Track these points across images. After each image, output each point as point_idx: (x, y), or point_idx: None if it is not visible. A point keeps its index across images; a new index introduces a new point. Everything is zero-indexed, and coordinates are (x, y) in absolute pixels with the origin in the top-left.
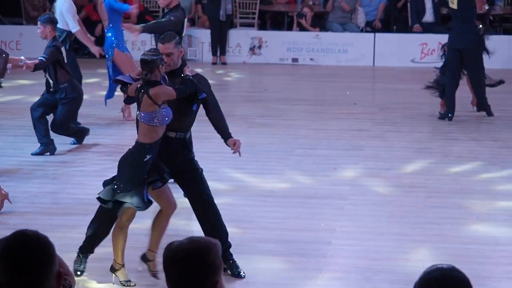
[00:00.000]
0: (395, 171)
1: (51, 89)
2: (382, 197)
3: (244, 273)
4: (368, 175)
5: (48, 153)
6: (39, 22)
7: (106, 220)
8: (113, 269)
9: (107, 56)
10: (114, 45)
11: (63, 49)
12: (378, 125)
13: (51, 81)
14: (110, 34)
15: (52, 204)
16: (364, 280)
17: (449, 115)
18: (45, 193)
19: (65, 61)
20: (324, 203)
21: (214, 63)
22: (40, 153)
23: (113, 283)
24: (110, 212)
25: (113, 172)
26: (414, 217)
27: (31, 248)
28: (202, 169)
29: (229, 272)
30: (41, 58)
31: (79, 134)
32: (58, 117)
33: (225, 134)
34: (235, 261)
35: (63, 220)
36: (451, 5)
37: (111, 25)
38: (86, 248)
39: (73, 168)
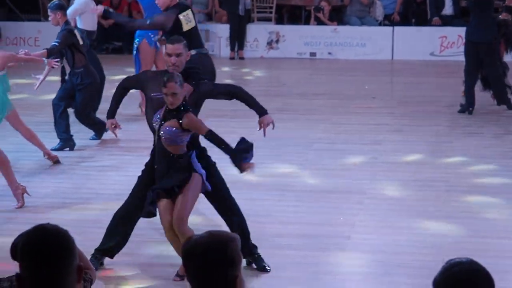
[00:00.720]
0: (414, 165)
1: (66, 78)
2: (401, 191)
3: (269, 267)
4: (387, 169)
5: (68, 149)
6: (49, 10)
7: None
8: None
9: (135, 45)
10: (144, 35)
11: (77, 32)
12: (397, 119)
13: (67, 67)
14: None
15: (72, 199)
16: (383, 274)
17: (470, 108)
18: (64, 188)
19: (81, 43)
20: (343, 197)
21: (231, 58)
22: (59, 148)
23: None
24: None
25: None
26: (433, 211)
27: (51, 243)
28: (215, 163)
29: (254, 266)
30: (54, 43)
31: (99, 126)
32: (78, 105)
33: (256, 109)
34: (260, 255)
35: (82, 215)
36: None
37: (146, 16)
38: (105, 251)
39: (92, 163)
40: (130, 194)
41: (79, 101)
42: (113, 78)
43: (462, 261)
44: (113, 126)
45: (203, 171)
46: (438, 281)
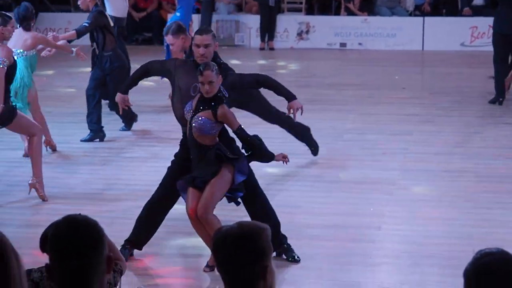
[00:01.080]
0: (444, 156)
1: (96, 59)
2: (431, 182)
3: (299, 257)
4: (417, 160)
5: (98, 140)
6: None
7: (156, 211)
8: None
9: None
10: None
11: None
12: (427, 110)
13: (97, 50)
14: (178, 14)
15: (102, 190)
16: (413, 265)
17: (500, 99)
18: (94, 180)
19: (112, 24)
20: (373, 188)
21: (262, 49)
22: (89, 139)
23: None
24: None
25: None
26: (463, 201)
27: (81, 233)
28: (243, 154)
29: (284, 256)
30: (84, 23)
31: (130, 117)
32: (110, 90)
33: (285, 95)
34: (290, 245)
35: (112, 206)
36: None
37: (180, 6)
38: (134, 242)
39: (122, 154)
40: (160, 185)
41: (111, 87)
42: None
43: (492, 251)
44: (123, 102)
45: (243, 164)
46: (469, 272)
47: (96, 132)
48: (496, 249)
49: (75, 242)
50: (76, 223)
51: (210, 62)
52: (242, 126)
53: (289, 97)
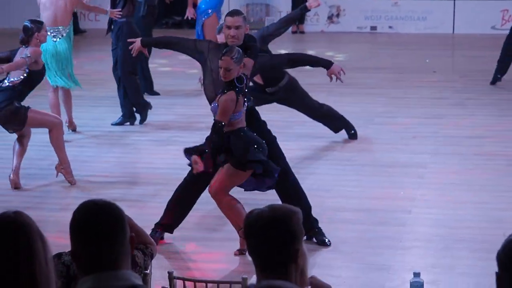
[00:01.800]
0: (475, 139)
1: (112, 26)
2: (462, 166)
3: (330, 241)
4: (448, 143)
5: (128, 123)
6: None
7: (189, 194)
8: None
9: (202, 19)
10: (210, 10)
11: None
12: (458, 93)
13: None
14: None
15: (132, 174)
16: (445, 248)
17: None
18: (125, 163)
19: None
20: (403, 171)
21: (294, 32)
22: (120, 123)
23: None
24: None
25: (193, 142)
26: (494, 185)
27: (100, 218)
28: (275, 138)
29: (314, 240)
30: None
31: (142, 105)
32: (118, 58)
33: (322, 64)
34: (320, 229)
35: (143, 189)
36: None
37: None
38: (165, 226)
39: (152, 137)
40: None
41: (118, 54)
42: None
43: None
44: (138, 48)
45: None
46: (501, 255)
47: (128, 116)
48: None
49: (94, 227)
50: (95, 207)
51: (235, 48)
52: (223, 124)
53: (327, 64)
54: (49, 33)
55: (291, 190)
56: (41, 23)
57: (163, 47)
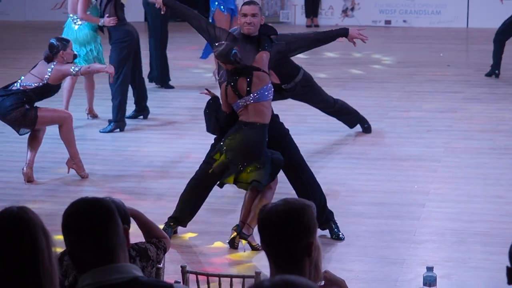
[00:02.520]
0: (489, 133)
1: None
2: (476, 159)
3: (343, 235)
4: (462, 137)
5: (142, 117)
6: None
7: (199, 189)
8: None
9: (211, 13)
10: (217, 3)
11: None
12: (473, 87)
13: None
14: None
15: (146, 167)
16: (459, 242)
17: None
18: (139, 157)
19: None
20: (417, 165)
21: (308, 26)
22: (132, 116)
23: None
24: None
25: (205, 136)
26: (509, 179)
27: (90, 212)
28: (288, 130)
29: (329, 233)
30: None
31: (142, 96)
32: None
33: (339, 34)
34: (336, 223)
35: (156, 183)
36: None
37: None
38: (178, 219)
39: (165, 131)
40: (203, 162)
41: (111, 59)
42: (181, 46)
43: None
44: (157, 3)
45: None
46: None
47: (141, 110)
48: None
49: (85, 223)
50: (84, 205)
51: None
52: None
53: (344, 32)
54: (71, 20)
55: (306, 183)
56: (67, 41)
57: (181, 15)
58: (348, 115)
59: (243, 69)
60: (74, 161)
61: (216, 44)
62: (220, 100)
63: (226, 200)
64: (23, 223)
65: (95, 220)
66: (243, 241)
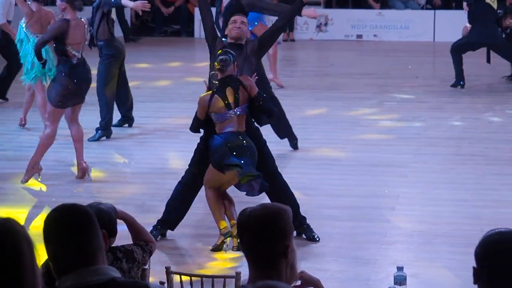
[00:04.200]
0: (454, 141)
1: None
2: (443, 165)
3: (318, 237)
4: (429, 144)
5: (127, 125)
6: None
7: (188, 194)
8: (229, 234)
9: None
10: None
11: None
12: (439, 97)
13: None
14: None
15: (130, 173)
16: (426, 243)
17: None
18: (124, 164)
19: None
20: (387, 171)
21: (285, 40)
22: (118, 125)
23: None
24: (191, 185)
25: (191, 142)
26: (473, 183)
27: (69, 217)
28: (265, 141)
29: (304, 236)
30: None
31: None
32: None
33: (294, 8)
34: (309, 226)
35: (141, 189)
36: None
37: None
38: (166, 223)
39: (151, 139)
40: (189, 166)
41: (99, 71)
42: (169, 64)
43: (501, 231)
44: None
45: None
46: (478, 251)
47: (126, 119)
48: (505, 229)
49: (65, 227)
50: (63, 211)
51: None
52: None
53: (297, 8)
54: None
55: (279, 190)
56: None
57: (203, 5)
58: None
59: (231, 80)
60: (34, 166)
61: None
62: (197, 108)
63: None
64: (6, 234)
65: (74, 225)
66: (228, 239)
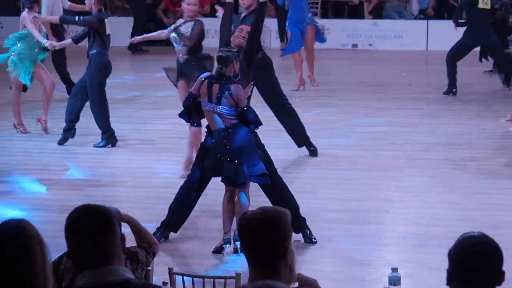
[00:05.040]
0: (447, 146)
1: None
2: (435, 170)
3: (316, 239)
4: (422, 150)
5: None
6: None
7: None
8: (229, 241)
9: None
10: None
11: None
12: (432, 104)
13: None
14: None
15: (135, 177)
16: (419, 245)
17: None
18: (130, 168)
19: (107, 33)
20: (382, 175)
21: (282, 49)
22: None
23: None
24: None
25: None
26: (464, 187)
27: (91, 219)
28: (263, 145)
29: (302, 238)
30: (77, 17)
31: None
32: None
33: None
34: (308, 228)
35: (145, 192)
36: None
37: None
38: (168, 225)
39: (153, 145)
40: (191, 169)
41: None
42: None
43: (474, 234)
44: None
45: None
46: (454, 254)
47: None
48: (478, 233)
49: (86, 228)
50: (86, 211)
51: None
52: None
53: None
54: None
55: (279, 192)
56: None
57: (227, 20)
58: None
59: (225, 81)
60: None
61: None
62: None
63: (212, 208)
64: (19, 235)
65: (93, 226)
66: (227, 245)
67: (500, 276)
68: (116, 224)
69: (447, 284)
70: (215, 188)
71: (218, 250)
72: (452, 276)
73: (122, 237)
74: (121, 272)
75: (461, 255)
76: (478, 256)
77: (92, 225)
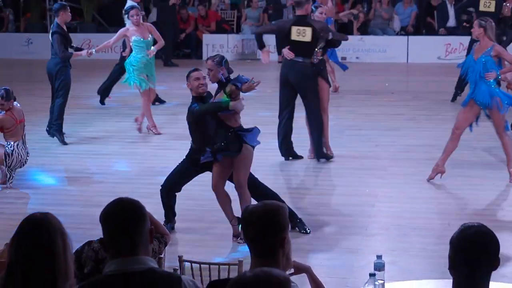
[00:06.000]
0: (426, 147)
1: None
2: (416, 168)
3: (309, 229)
4: (404, 150)
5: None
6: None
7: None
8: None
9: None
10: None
11: None
12: (412, 110)
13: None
14: None
15: (150, 175)
16: (402, 235)
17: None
18: (145, 167)
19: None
20: (368, 173)
21: (280, 62)
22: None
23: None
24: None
25: (181, 150)
26: (441, 184)
27: (124, 212)
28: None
29: (297, 229)
30: None
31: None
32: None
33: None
34: (301, 220)
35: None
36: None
37: None
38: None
39: (152, 146)
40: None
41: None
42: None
43: (474, 225)
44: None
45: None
46: (454, 241)
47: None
48: (477, 223)
49: (119, 221)
50: (121, 205)
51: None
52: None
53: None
54: None
55: (263, 194)
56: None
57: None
58: None
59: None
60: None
61: None
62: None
63: (216, 202)
64: (43, 227)
65: (126, 220)
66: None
67: (495, 262)
68: (146, 218)
69: (449, 268)
70: None
71: (238, 235)
72: (454, 262)
73: (151, 231)
74: (147, 262)
75: (462, 244)
76: (478, 246)
77: (126, 219)
